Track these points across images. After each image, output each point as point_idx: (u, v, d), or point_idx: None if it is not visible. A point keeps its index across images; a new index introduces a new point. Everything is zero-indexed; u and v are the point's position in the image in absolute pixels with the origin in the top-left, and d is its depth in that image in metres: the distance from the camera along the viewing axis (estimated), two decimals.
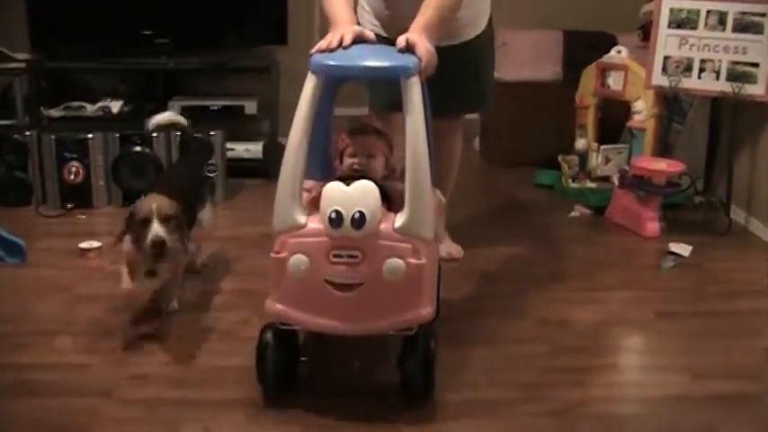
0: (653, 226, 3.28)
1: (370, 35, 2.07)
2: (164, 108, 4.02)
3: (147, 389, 2.07)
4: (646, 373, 2.28)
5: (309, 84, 1.90)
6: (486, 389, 2.11)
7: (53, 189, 3.56)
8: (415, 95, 1.87)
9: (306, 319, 1.91)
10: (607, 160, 3.76)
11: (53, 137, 3.54)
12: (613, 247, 3.25)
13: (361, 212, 1.80)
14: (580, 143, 3.85)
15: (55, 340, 2.32)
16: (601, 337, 2.47)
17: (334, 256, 1.84)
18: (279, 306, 1.93)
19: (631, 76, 3.59)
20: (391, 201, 1.98)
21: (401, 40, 1.98)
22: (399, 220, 1.87)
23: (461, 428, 1.92)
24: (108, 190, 3.60)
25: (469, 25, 2.64)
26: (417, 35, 2.00)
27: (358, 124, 2.24)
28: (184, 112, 4.02)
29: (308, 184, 2.07)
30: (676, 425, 1.98)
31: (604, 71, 3.74)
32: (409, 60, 1.92)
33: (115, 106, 4.04)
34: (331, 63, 1.91)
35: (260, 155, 4.03)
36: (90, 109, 4.02)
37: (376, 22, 2.62)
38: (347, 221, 1.80)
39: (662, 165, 3.32)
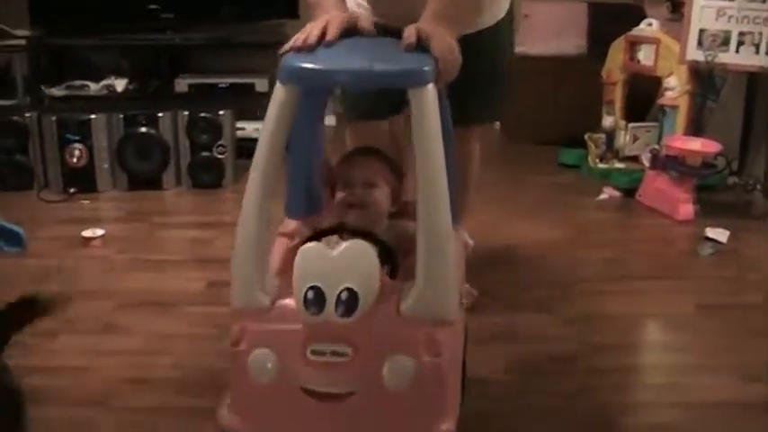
0: (687, 209, 3.11)
1: (367, 24, 1.51)
2: (171, 86, 3.89)
3: (149, 395, 1.92)
4: (690, 374, 2.07)
5: (278, 97, 1.34)
6: (509, 396, 1.91)
7: (55, 173, 3.43)
8: (429, 110, 1.31)
9: None
10: (635, 139, 3.60)
11: (54, 118, 3.39)
12: (646, 231, 3.09)
13: (350, 290, 1.27)
14: (607, 121, 3.68)
15: (54, 340, 2.17)
16: (638, 333, 2.31)
17: (313, 352, 1.30)
18: (236, 418, 1.39)
19: (663, 50, 3.40)
20: (397, 256, 1.44)
21: (410, 33, 1.41)
22: (408, 297, 1.33)
23: None
24: (112, 173, 3.47)
25: (489, 7, 1.97)
26: (432, 26, 1.44)
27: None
28: (191, 89, 3.90)
29: (290, 225, 1.62)
30: None
31: (634, 45, 3.56)
32: (422, 62, 1.36)
33: (119, 84, 3.90)
34: (306, 67, 1.34)
35: None
36: (93, 88, 3.89)
37: (364, 3, 1.96)
38: (330, 304, 1.27)
39: (697, 144, 3.15)
